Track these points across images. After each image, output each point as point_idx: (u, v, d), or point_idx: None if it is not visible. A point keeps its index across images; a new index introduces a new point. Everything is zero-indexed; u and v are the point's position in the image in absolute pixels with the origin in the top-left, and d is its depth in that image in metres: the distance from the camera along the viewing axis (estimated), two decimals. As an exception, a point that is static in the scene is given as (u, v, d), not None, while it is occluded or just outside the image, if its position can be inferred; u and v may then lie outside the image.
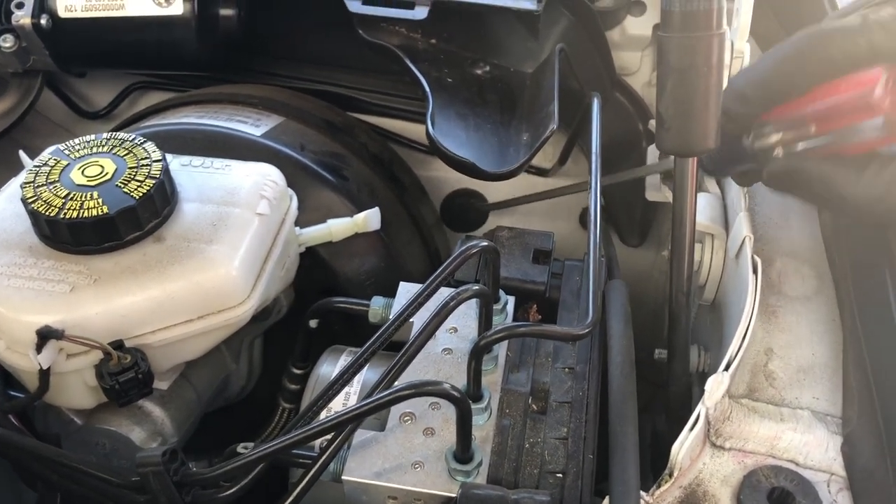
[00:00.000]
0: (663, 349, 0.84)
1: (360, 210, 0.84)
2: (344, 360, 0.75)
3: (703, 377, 0.79)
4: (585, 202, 1.12)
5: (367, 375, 0.71)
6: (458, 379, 0.67)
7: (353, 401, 0.71)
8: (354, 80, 1.05)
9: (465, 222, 1.13)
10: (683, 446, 0.60)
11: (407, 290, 0.76)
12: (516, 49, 0.99)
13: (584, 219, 1.13)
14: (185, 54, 0.95)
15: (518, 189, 1.10)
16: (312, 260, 0.83)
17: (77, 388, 0.67)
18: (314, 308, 0.77)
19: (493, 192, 1.12)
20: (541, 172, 1.08)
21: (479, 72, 0.97)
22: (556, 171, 1.05)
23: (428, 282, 0.65)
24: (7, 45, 0.94)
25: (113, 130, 0.87)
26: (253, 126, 0.88)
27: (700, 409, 0.62)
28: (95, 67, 1.06)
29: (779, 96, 0.63)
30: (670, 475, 0.61)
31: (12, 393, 0.73)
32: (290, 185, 0.78)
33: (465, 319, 0.73)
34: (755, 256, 0.71)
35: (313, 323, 0.78)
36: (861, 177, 0.59)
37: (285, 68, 1.05)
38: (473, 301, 0.72)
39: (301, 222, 0.80)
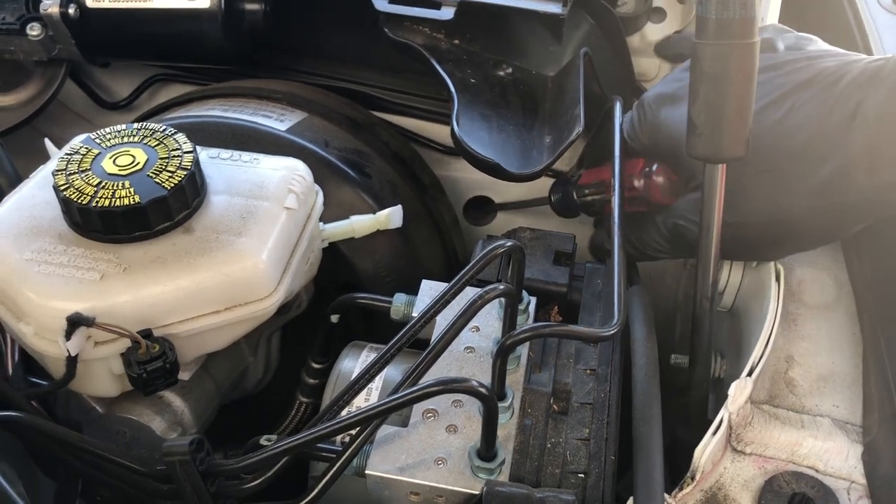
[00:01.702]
0: (679, 354, 0.84)
1: (381, 207, 0.84)
2: (366, 356, 0.75)
3: (719, 383, 0.80)
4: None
5: (388, 372, 0.71)
6: (480, 377, 0.67)
7: (374, 396, 0.71)
8: (376, 79, 1.05)
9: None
10: (706, 450, 0.61)
11: (430, 288, 0.76)
12: (539, 52, 0.99)
13: (599, 223, 1.12)
14: (210, 47, 0.95)
15: (535, 192, 1.10)
16: (334, 255, 0.83)
17: (102, 376, 0.67)
18: (336, 303, 0.77)
19: (508, 195, 1.12)
20: (557, 175, 1.08)
21: (501, 73, 0.97)
22: (575, 173, 1.05)
23: (455, 279, 0.65)
24: (34, 33, 0.94)
25: (136, 121, 0.88)
26: (277, 121, 0.88)
27: (723, 413, 0.62)
28: (120, 58, 1.06)
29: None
30: (692, 478, 0.61)
31: (33, 379, 0.73)
32: (314, 180, 0.78)
33: (487, 318, 0.74)
34: (777, 264, 0.72)
35: (334, 318, 0.78)
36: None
37: (308, 65, 1.05)
38: (496, 300, 0.72)
39: (324, 218, 0.80)
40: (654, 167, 0.79)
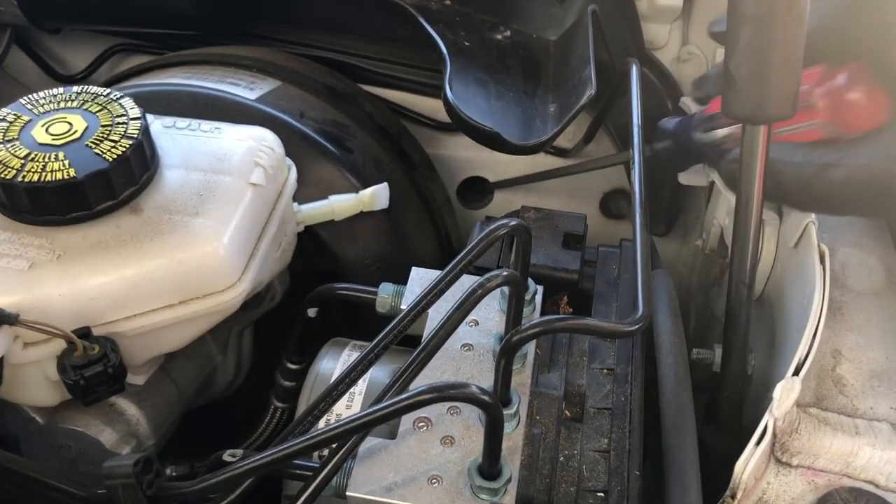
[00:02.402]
0: (701, 349, 0.76)
1: (364, 186, 0.77)
2: (347, 355, 0.67)
3: (746, 381, 0.71)
4: (605, 186, 1.05)
5: (373, 374, 0.64)
6: (480, 379, 0.60)
7: (357, 403, 0.63)
8: (360, 48, 0.97)
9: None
10: (749, 463, 0.52)
11: (420, 277, 0.68)
12: (538, 14, 0.92)
13: (606, 204, 1.04)
14: (172, 10, 0.86)
15: (534, 171, 1.02)
16: (311, 241, 0.76)
17: (37, 383, 0.59)
18: (314, 295, 0.70)
19: (506, 176, 1.03)
20: (560, 153, 1.00)
21: (498, 37, 0.89)
22: (579, 150, 0.96)
23: (450, 266, 0.57)
24: (-31, -8, 0.85)
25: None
26: (246, 89, 0.80)
27: (767, 419, 0.53)
28: (71, 22, 0.97)
29: None
30: (732, 497, 0.52)
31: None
32: (287, 155, 0.71)
33: (487, 311, 0.66)
34: (822, 245, 0.63)
35: (312, 312, 0.70)
36: (795, 156, 0.58)
37: (285, 32, 0.97)
38: (496, 291, 0.63)
39: (299, 198, 0.73)
40: (846, 76, 0.55)
